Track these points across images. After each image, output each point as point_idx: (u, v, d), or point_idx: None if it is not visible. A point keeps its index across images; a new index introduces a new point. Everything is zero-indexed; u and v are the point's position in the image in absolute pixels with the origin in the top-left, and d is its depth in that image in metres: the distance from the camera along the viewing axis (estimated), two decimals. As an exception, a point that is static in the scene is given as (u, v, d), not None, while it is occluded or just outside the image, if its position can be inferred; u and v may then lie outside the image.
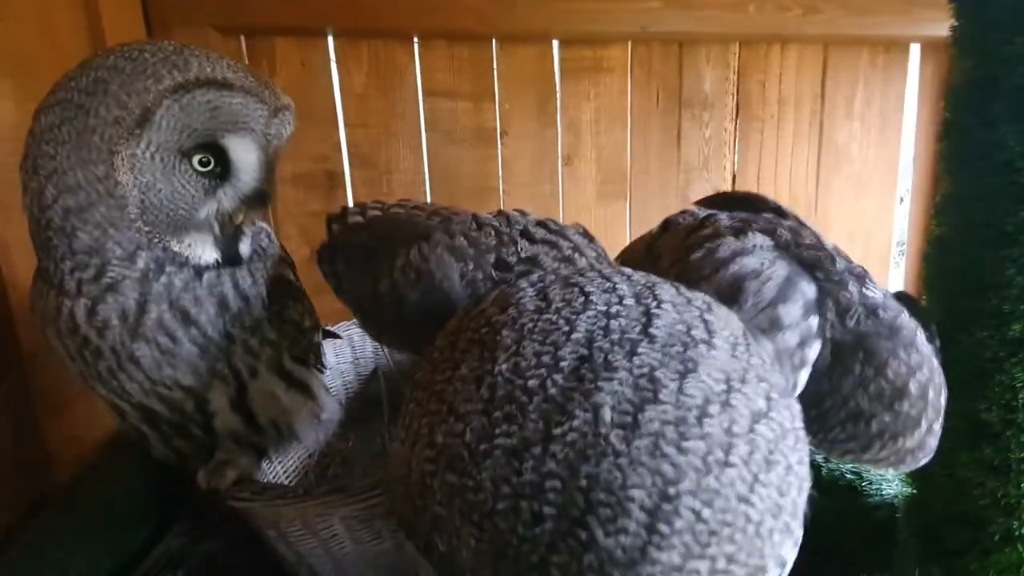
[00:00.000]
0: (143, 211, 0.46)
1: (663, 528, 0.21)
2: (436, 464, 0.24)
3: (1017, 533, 0.45)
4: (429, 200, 1.15)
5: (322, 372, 0.64)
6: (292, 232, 1.11)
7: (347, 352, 0.96)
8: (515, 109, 1.15)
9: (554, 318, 0.26)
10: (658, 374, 0.23)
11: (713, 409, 0.23)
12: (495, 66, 1.12)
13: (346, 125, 1.09)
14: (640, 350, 0.24)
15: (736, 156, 1.31)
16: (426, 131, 1.12)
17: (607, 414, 0.22)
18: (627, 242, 1.28)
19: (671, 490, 0.21)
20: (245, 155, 0.48)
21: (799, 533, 0.25)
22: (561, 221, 1.27)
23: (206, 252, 0.49)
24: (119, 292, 0.47)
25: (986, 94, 0.41)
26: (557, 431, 0.22)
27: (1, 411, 0.59)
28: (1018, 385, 0.43)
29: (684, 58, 1.22)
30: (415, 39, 1.08)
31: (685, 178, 1.30)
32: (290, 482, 0.73)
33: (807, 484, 0.26)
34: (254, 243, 0.54)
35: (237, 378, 0.53)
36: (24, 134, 0.50)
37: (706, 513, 0.21)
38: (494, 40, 1.10)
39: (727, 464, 0.22)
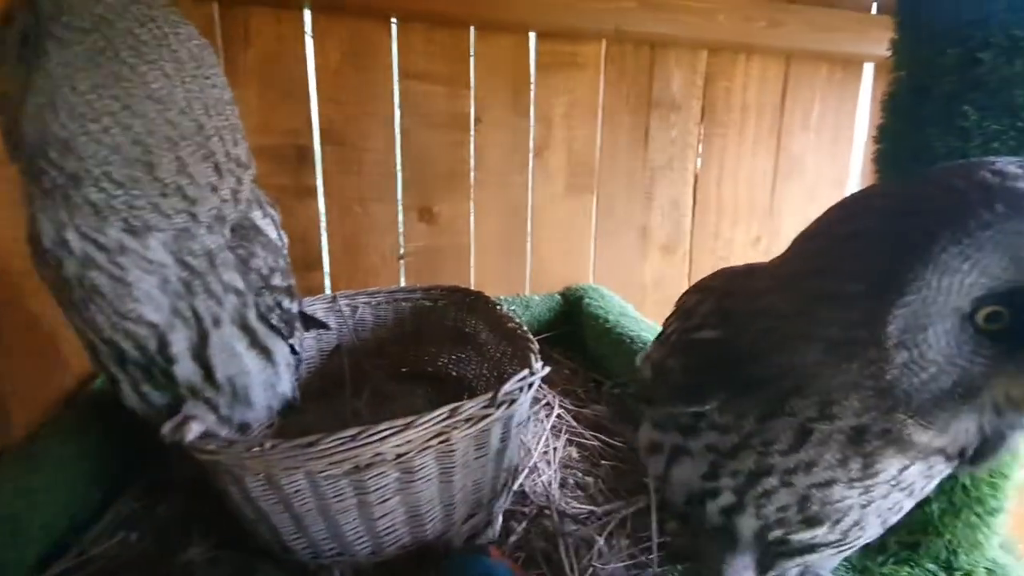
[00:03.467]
0: None
1: None
2: None
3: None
4: (400, 181, 1.16)
5: (292, 346, 0.65)
6: (259, 205, 1.09)
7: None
8: (490, 97, 1.18)
9: None
10: None
11: None
12: (472, 53, 1.13)
13: (319, 100, 1.08)
14: None
15: (700, 159, 1.38)
16: (400, 112, 1.12)
17: None
18: (592, 235, 1.34)
19: None
20: None
21: None
22: (529, 211, 1.31)
23: None
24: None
25: (917, 100, 0.46)
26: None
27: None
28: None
29: (655, 60, 1.27)
30: (393, 20, 1.09)
31: (651, 176, 1.35)
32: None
33: None
34: None
35: (200, 324, 0.53)
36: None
37: None
38: (472, 27, 1.12)
39: None
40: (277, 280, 0.58)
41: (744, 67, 1.32)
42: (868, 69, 1.41)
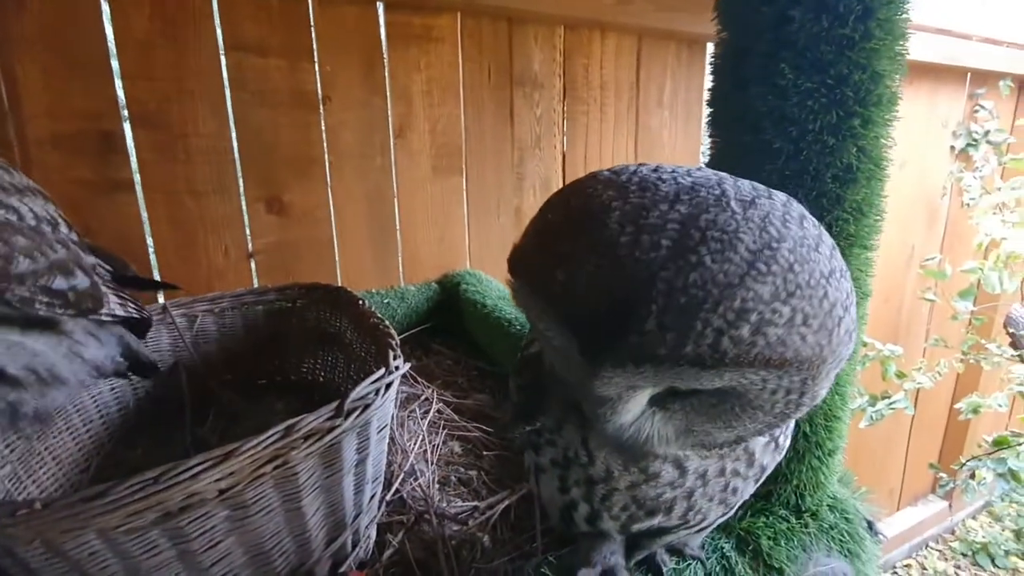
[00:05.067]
0: None
1: (761, 267, 0.25)
2: (569, 215, 0.29)
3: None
4: (240, 169, 1.02)
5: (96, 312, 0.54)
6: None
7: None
8: (338, 73, 1.07)
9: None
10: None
11: (809, 219, 0.28)
12: (312, 22, 1.02)
13: (124, 77, 0.91)
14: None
15: (565, 136, 1.38)
16: (231, 90, 0.98)
17: (731, 189, 0.27)
18: (465, 219, 1.30)
19: (773, 244, 0.26)
20: None
21: (850, 350, 0.28)
22: (396, 197, 1.24)
23: None
24: None
25: (740, 60, 0.46)
26: (686, 196, 0.27)
27: None
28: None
29: (514, 36, 1.24)
30: (212, -18, 0.94)
31: (519, 155, 1.33)
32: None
33: (855, 311, 0.29)
34: None
35: None
36: None
37: (797, 268, 0.25)
38: (309, -7, 1.01)
39: (816, 249, 0.27)
40: (24, 265, 0.47)
41: (600, 44, 1.34)
42: (712, 50, 1.51)
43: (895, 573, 2.30)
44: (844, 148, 0.42)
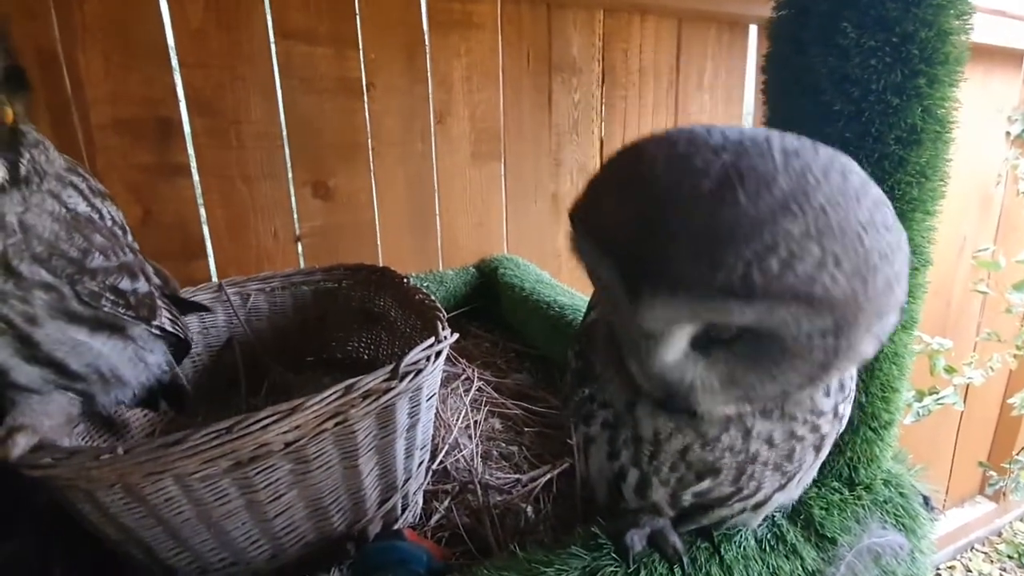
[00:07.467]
0: None
1: (793, 207, 0.26)
2: (620, 165, 0.31)
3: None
4: (288, 154, 1.05)
5: (149, 322, 0.56)
6: (118, 188, 0.94)
7: (193, 321, 0.85)
8: (382, 60, 1.09)
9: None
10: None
11: (857, 173, 0.29)
12: (357, 10, 1.04)
13: (180, 65, 0.95)
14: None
15: (603, 122, 1.38)
16: (280, 77, 1.01)
17: (776, 141, 0.28)
18: (504, 205, 1.31)
19: (809, 189, 0.26)
20: None
21: (901, 299, 0.29)
22: (435, 182, 1.25)
23: None
24: None
25: (799, 22, 0.45)
26: (731, 147, 0.28)
27: None
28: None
29: (553, 21, 1.24)
30: (262, -28, 0.97)
31: (557, 141, 1.33)
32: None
33: (903, 269, 0.29)
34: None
35: (13, 326, 0.44)
36: None
37: (830, 211, 0.26)
38: (355, -19, 1.03)
39: (857, 200, 0.27)
40: (98, 261, 0.49)
41: (639, 28, 1.33)
42: (753, 31, 1.47)
43: (938, 574, 2.23)
44: (908, 108, 0.42)
